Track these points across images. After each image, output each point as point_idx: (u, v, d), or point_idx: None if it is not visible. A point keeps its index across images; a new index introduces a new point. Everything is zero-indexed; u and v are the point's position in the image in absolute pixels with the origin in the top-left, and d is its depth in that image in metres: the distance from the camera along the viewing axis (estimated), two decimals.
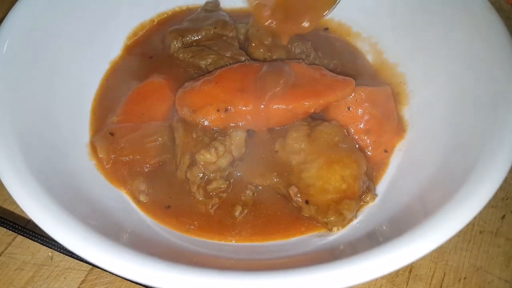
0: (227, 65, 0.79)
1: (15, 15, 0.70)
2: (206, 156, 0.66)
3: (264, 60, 0.81)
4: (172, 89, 0.78)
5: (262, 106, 0.69)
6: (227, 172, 0.70)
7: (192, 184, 0.68)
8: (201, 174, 0.68)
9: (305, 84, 0.71)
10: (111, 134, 0.73)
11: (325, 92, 0.70)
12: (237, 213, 0.68)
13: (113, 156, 0.71)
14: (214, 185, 0.68)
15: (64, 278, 0.70)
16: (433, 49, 0.78)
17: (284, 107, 0.69)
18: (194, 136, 0.69)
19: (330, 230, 0.65)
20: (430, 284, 0.70)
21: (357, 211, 0.67)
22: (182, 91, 0.73)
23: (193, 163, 0.67)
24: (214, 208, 0.69)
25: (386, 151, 0.74)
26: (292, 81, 0.70)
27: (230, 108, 0.69)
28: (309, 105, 0.69)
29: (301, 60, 0.76)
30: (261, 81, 0.70)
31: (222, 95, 0.70)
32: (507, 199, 0.79)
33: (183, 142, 0.68)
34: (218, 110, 0.69)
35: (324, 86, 0.71)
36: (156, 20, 0.92)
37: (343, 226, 0.65)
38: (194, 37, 0.84)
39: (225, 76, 0.72)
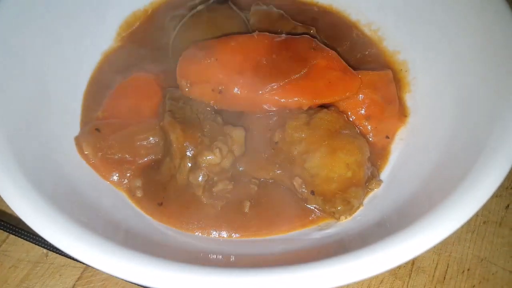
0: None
1: (2, 6, 0.68)
2: (210, 158, 0.64)
3: None
4: (160, 83, 0.76)
5: (259, 92, 0.67)
6: (230, 173, 0.68)
7: (197, 187, 0.66)
8: (205, 177, 0.65)
9: (307, 74, 0.68)
10: (97, 130, 0.70)
11: (325, 92, 0.68)
12: (246, 209, 0.67)
13: (99, 153, 0.69)
14: (220, 186, 0.66)
15: (60, 275, 0.69)
16: (435, 35, 0.76)
17: (276, 98, 0.67)
18: (193, 138, 0.66)
19: (338, 219, 0.64)
20: (433, 276, 0.69)
21: (363, 198, 0.65)
22: (184, 61, 0.71)
23: (195, 166, 0.65)
24: (221, 208, 0.67)
25: (387, 137, 0.73)
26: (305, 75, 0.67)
27: (225, 90, 0.67)
28: (304, 103, 0.68)
29: (314, 39, 0.73)
30: (270, 67, 0.67)
31: (219, 75, 0.68)
32: (511, 188, 0.77)
33: (181, 145, 0.65)
34: (213, 90, 0.68)
35: (326, 83, 0.68)
36: (150, 10, 0.90)
37: (351, 214, 0.64)
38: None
39: (227, 52, 0.69)
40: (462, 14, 0.72)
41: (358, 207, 0.64)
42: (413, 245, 0.47)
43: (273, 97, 0.67)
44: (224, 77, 0.68)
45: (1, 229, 0.69)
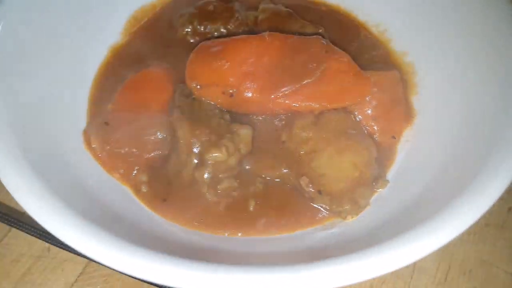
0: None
1: (9, 1, 0.68)
2: (217, 155, 0.64)
3: None
4: (171, 79, 0.75)
5: (271, 97, 0.66)
6: (236, 171, 0.67)
7: (202, 184, 0.66)
8: (210, 174, 0.65)
9: (319, 78, 0.67)
10: (106, 123, 0.69)
11: (336, 98, 0.67)
12: (251, 208, 0.66)
13: (107, 147, 0.68)
14: (225, 184, 0.66)
15: (62, 270, 0.68)
16: (443, 37, 0.76)
17: (288, 102, 0.67)
18: (201, 134, 0.65)
19: (344, 219, 0.64)
20: (435, 277, 0.69)
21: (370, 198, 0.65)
22: (193, 63, 0.70)
23: (201, 163, 0.65)
24: (225, 206, 0.67)
25: (394, 137, 0.73)
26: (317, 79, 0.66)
27: (236, 93, 0.67)
28: (316, 108, 0.67)
29: (325, 40, 0.71)
30: (282, 71, 0.67)
31: (230, 78, 0.67)
32: None
33: (188, 141, 0.65)
34: (223, 93, 0.67)
35: (338, 88, 0.67)
36: (158, 6, 0.89)
37: (357, 214, 0.64)
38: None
39: (238, 55, 0.68)
40: (470, 16, 0.72)
41: (365, 207, 0.65)
42: (418, 247, 0.48)
43: (284, 101, 0.67)
44: (235, 80, 0.67)
45: (4, 222, 0.69)
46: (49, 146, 0.62)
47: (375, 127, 0.72)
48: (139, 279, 0.65)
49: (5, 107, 0.59)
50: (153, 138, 0.70)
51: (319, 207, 0.66)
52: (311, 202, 0.66)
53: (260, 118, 0.72)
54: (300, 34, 0.74)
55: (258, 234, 0.64)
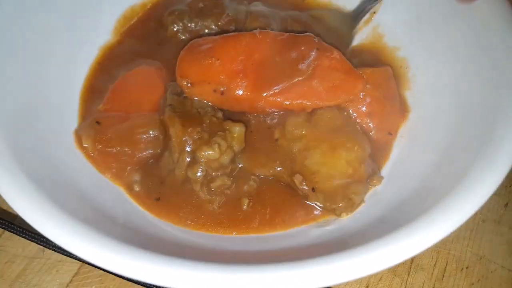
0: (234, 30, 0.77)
1: None
2: (209, 153, 0.63)
3: None
4: (163, 77, 0.75)
5: (262, 95, 0.66)
6: (229, 169, 0.67)
7: (195, 183, 0.65)
8: (203, 172, 0.65)
9: (311, 76, 0.66)
10: (98, 123, 0.69)
11: (328, 96, 0.67)
12: (244, 206, 0.66)
13: (99, 146, 0.68)
14: (218, 182, 0.66)
15: (56, 271, 0.68)
16: (435, 32, 0.75)
17: (279, 100, 0.67)
18: (193, 132, 0.65)
19: (339, 216, 0.64)
20: (432, 273, 0.69)
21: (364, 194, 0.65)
22: (183, 60, 0.70)
23: (193, 161, 0.65)
24: (219, 204, 0.66)
25: (390, 133, 0.73)
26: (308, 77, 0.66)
27: (227, 91, 0.67)
28: (308, 105, 0.67)
29: (316, 37, 0.71)
30: (274, 69, 0.67)
31: (221, 76, 0.67)
32: (510, 186, 0.77)
33: (180, 139, 0.65)
34: (214, 91, 0.67)
35: (330, 86, 0.67)
36: (148, 5, 0.89)
37: (352, 211, 0.64)
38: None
39: (229, 52, 0.68)
40: (461, 12, 0.71)
41: (360, 204, 0.64)
42: (414, 243, 0.47)
43: (276, 99, 0.66)
44: (225, 78, 0.67)
45: None
46: (40, 146, 0.61)
47: (371, 124, 0.71)
48: (133, 280, 0.65)
49: None
50: (145, 136, 0.69)
51: (313, 205, 0.66)
52: (305, 200, 0.66)
53: (253, 115, 0.72)
54: (291, 31, 0.73)
55: (252, 233, 0.64)
